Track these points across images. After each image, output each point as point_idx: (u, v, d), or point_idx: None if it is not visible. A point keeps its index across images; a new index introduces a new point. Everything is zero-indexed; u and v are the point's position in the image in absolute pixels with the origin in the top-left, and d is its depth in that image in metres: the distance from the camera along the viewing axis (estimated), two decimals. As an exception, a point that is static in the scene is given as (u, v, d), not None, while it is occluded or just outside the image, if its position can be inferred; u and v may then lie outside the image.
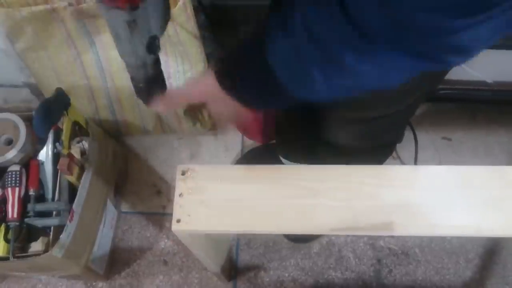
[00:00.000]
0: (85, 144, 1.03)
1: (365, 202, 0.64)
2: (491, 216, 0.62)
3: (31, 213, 0.97)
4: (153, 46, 0.51)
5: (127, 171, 1.31)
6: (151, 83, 0.57)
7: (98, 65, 1.11)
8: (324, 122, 0.79)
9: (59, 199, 1.00)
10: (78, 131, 1.05)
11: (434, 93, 1.19)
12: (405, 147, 1.32)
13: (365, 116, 0.72)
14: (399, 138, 0.85)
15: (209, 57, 1.13)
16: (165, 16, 0.50)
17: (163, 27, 0.51)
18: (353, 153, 0.83)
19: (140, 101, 0.59)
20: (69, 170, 0.95)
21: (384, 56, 0.38)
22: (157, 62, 0.55)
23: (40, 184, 1.02)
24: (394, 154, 1.32)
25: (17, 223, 0.95)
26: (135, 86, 0.58)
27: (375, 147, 0.84)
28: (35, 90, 1.27)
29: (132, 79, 0.57)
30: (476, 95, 1.22)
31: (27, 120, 1.05)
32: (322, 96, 0.45)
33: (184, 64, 1.10)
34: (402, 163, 1.30)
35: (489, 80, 1.14)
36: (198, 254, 0.82)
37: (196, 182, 0.66)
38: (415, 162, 1.29)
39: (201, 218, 0.64)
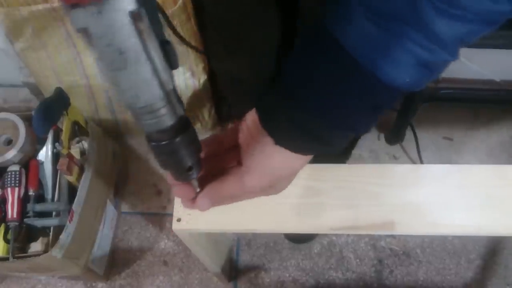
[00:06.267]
0: (85, 144, 1.03)
1: (366, 201, 0.63)
2: (492, 215, 0.62)
3: (30, 213, 0.97)
4: (172, 55, 0.32)
5: (127, 171, 1.31)
6: (183, 136, 0.35)
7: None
8: None
9: (58, 199, 1.00)
10: (78, 131, 1.04)
11: (435, 93, 1.19)
12: (406, 147, 1.31)
13: None
14: None
15: (209, 57, 1.13)
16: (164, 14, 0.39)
17: (163, 27, 0.34)
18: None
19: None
20: (69, 170, 0.95)
21: None
22: (175, 90, 0.34)
23: (40, 184, 1.02)
24: (394, 154, 1.32)
25: (17, 223, 0.94)
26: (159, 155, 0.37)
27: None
28: (34, 89, 1.27)
29: (149, 137, 0.36)
30: (477, 94, 1.22)
31: (27, 120, 1.04)
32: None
33: (184, 64, 1.10)
34: (403, 163, 1.29)
35: (497, 79, 1.13)
36: (198, 254, 0.82)
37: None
38: (416, 162, 1.29)
39: (202, 217, 0.63)
